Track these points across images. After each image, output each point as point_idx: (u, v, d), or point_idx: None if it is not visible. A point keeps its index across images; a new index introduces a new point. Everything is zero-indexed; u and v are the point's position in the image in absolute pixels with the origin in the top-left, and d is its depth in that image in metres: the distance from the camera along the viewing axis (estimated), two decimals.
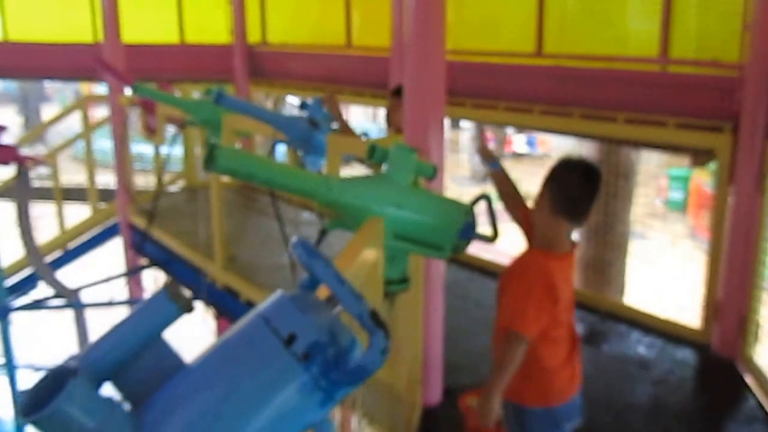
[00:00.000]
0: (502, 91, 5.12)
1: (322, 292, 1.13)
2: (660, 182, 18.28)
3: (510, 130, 18.79)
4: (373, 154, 2.25)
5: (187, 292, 1.10)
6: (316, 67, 7.04)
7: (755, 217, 3.66)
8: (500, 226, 2.47)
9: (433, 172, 2.35)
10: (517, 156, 23.41)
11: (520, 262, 2.46)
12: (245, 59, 7.67)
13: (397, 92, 4.14)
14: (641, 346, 4.14)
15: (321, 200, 2.08)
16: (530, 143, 23.80)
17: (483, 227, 2.35)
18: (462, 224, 2.27)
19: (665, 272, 12.17)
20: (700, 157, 3.96)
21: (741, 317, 3.77)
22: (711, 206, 12.31)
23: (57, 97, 27.64)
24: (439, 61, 3.06)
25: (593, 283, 6.66)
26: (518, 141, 23.50)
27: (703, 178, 16.69)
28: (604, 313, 4.55)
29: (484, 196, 2.48)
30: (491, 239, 2.39)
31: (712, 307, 3.98)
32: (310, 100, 3.95)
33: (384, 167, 2.24)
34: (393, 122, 4.12)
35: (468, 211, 2.31)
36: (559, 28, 4.96)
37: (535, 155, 23.59)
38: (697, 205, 15.93)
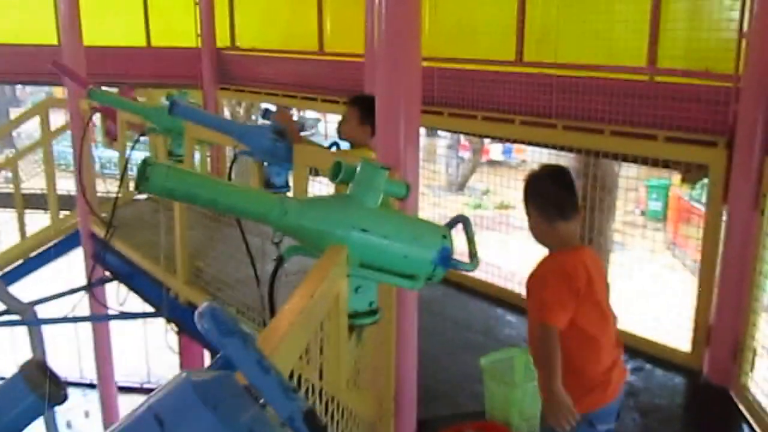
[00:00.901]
0: (481, 100, 4.88)
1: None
2: (639, 192, 18.18)
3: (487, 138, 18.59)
4: (339, 172, 1.98)
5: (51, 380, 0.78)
6: (287, 72, 6.77)
7: (751, 237, 3.44)
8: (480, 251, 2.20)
9: (406, 192, 2.10)
10: (494, 164, 23.27)
11: (538, 266, 2.57)
12: (213, 63, 7.38)
13: (356, 102, 3.81)
14: (627, 370, 3.90)
15: (275, 225, 1.81)
16: (507, 151, 23.67)
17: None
18: (437, 250, 2.01)
19: (645, 285, 11.97)
20: (691, 173, 3.73)
21: (735, 342, 3.55)
22: (690, 217, 12.13)
23: (29, 100, 27.07)
24: (414, 68, 2.81)
25: None
26: (495, 149, 23.36)
27: (683, 189, 16.63)
28: None
29: (461, 218, 2.22)
30: (471, 267, 2.13)
31: (704, 331, 3.75)
32: (273, 108, 3.68)
33: (351, 186, 1.98)
34: (346, 134, 3.75)
35: (444, 234, 2.05)
36: (541, 35, 4.74)
37: (512, 163, 23.47)
38: (677, 216, 15.84)
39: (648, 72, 4.11)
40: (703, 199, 14.79)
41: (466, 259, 2.15)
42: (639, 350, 4.05)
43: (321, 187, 4.62)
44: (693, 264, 14.44)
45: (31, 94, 27.37)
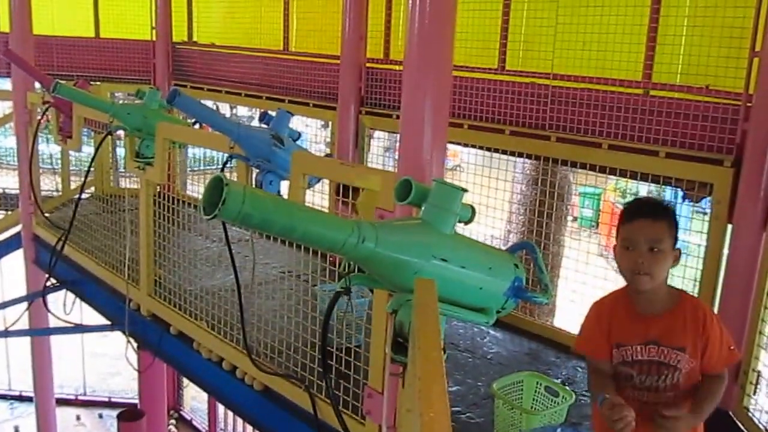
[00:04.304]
0: (467, 109, 4.75)
1: None
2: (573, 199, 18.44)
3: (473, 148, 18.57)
4: (408, 192, 1.78)
5: None
6: (250, 71, 6.47)
7: (757, 257, 3.40)
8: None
9: (472, 215, 1.91)
10: None
11: (698, 303, 2.47)
12: (168, 58, 7.01)
13: None
14: None
15: (350, 254, 1.59)
16: None
17: None
18: (510, 281, 1.84)
19: (583, 291, 12.07)
20: (694, 190, 3.66)
21: (737, 364, 3.49)
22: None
23: None
24: (445, 75, 2.63)
25: (523, 306, 6.40)
26: None
27: (615, 196, 16.95)
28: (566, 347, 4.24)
29: (526, 245, 2.05)
30: (545, 299, 1.96)
31: None
32: (273, 112, 3.44)
33: (424, 209, 1.78)
34: None
35: (516, 263, 1.88)
36: (529, 44, 4.64)
37: (447, 167, 23.53)
38: (609, 223, 16.14)
39: (643, 86, 4.04)
40: None
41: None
42: None
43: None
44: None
45: None
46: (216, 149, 3.89)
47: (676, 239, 2.37)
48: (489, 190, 4.67)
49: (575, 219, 18.12)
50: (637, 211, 2.43)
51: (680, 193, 3.77)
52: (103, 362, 9.56)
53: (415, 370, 1.34)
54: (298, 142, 3.48)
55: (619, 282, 2.57)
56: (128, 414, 5.23)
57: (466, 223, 1.94)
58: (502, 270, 1.85)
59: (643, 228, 2.33)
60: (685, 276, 3.89)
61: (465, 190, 1.79)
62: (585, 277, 4.47)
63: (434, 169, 2.68)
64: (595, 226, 17.56)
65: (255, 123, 3.68)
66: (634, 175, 3.90)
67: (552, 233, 6.55)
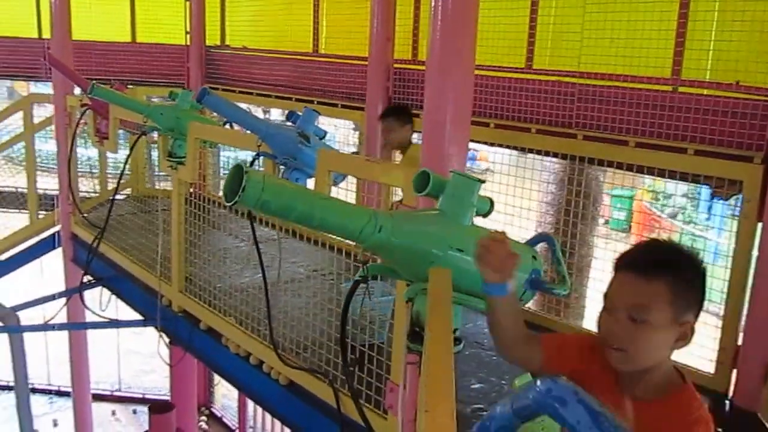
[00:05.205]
0: (493, 108, 4.76)
1: None
2: (604, 201, 18.21)
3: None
4: (426, 184, 1.81)
5: None
6: (280, 73, 6.55)
7: None
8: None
9: (490, 208, 1.93)
10: None
11: (697, 406, 1.60)
12: (201, 62, 7.13)
13: (388, 113, 4.64)
14: None
15: (367, 242, 1.62)
16: (471, 157, 23.56)
17: None
18: (528, 273, 1.85)
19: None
20: (723, 188, 3.63)
21: (766, 364, 3.45)
22: (653, 227, 12.21)
23: None
24: (467, 77, 2.65)
25: (551, 308, 6.35)
26: None
27: (646, 198, 16.76)
28: None
29: (545, 236, 2.06)
30: (563, 290, 1.95)
31: (731, 352, 3.65)
32: (300, 111, 3.49)
33: (441, 200, 1.80)
34: (397, 141, 4.32)
35: (534, 255, 1.90)
36: (557, 42, 4.64)
37: (476, 170, 23.41)
38: (641, 226, 15.97)
39: (671, 83, 4.02)
40: (667, 211, 14.74)
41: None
42: None
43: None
44: None
45: None
46: (244, 148, 3.95)
47: (685, 309, 1.59)
48: (521, 190, 4.65)
49: (606, 222, 17.91)
50: (626, 260, 1.66)
51: (709, 191, 3.73)
52: (138, 359, 9.73)
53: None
54: (323, 141, 3.53)
55: None
56: (159, 406, 5.33)
57: (485, 215, 1.95)
58: (520, 262, 1.86)
59: (626, 287, 1.62)
60: (713, 275, 3.84)
61: (482, 182, 1.81)
62: None
63: (456, 166, 2.70)
64: (627, 229, 17.34)
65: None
66: (662, 173, 3.86)
67: (579, 233, 6.52)
